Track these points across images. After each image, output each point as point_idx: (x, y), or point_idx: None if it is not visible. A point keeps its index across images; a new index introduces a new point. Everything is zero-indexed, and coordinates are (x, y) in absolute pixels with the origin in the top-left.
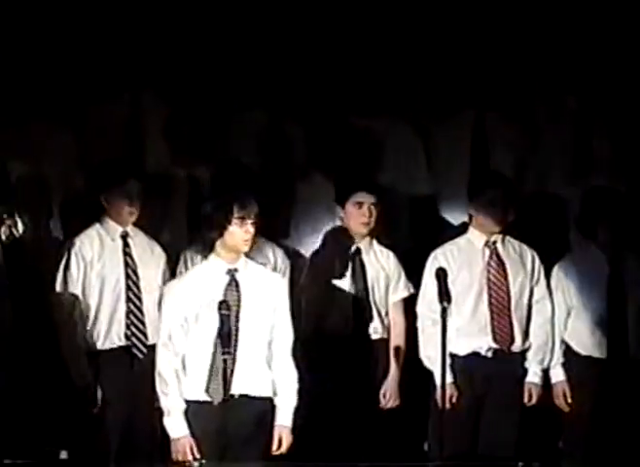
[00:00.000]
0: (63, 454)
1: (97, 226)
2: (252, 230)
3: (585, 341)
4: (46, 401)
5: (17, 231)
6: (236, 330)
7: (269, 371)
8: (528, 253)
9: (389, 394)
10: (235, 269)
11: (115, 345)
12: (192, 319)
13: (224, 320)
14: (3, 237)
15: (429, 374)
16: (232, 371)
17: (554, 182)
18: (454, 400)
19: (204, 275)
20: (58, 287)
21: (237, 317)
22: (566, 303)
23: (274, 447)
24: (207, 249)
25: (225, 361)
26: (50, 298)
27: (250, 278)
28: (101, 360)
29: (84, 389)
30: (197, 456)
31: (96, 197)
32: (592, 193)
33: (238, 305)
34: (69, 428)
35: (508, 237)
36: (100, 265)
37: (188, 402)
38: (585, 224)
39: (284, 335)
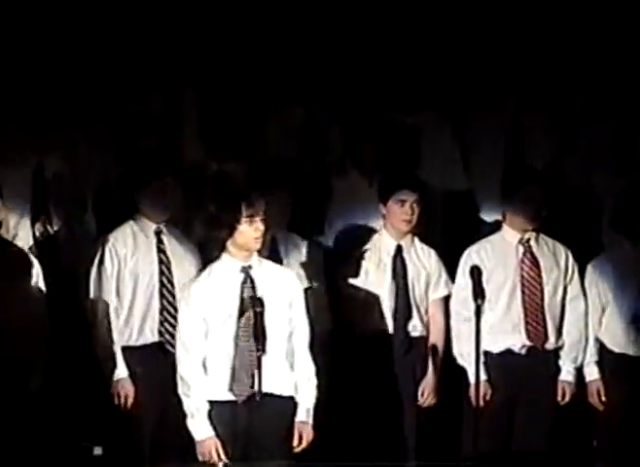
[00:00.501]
0: (98, 450)
1: (131, 223)
2: (262, 227)
3: (619, 338)
4: (80, 397)
5: (52, 227)
6: None
7: (290, 369)
8: (562, 251)
9: (427, 392)
10: (249, 267)
11: (148, 342)
12: (210, 319)
13: (257, 317)
14: (37, 234)
15: (463, 371)
16: (260, 368)
17: (589, 179)
18: (488, 397)
19: (219, 275)
20: (92, 284)
21: None
22: (600, 300)
23: (295, 443)
24: (218, 249)
25: (258, 358)
26: (83, 294)
27: (265, 275)
28: (135, 356)
29: (116, 385)
30: (223, 457)
31: (130, 193)
32: (630, 189)
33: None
34: (103, 425)
35: (542, 235)
36: (134, 261)
37: (211, 402)
38: (620, 221)
39: (302, 330)
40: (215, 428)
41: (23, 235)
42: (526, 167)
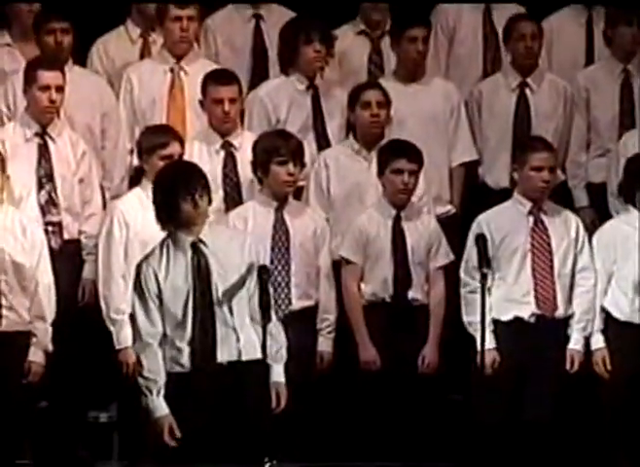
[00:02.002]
0: (103, 418)
1: (139, 190)
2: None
3: (623, 307)
4: (88, 365)
5: (57, 196)
6: None
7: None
8: (573, 220)
9: (428, 360)
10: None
11: None
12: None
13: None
14: (42, 202)
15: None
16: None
17: (595, 148)
18: (496, 365)
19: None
20: (101, 251)
21: None
22: (606, 269)
23: (274, 405)
24: None
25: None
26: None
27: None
28: None
29: (124, 353)
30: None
31: (139, 160)
32: (635, 159)
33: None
34: (111, 393)
35: (552, 204)
36: (142, 228)
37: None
38: (626, 190)
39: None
40: (180, 400)
41: (28, 204)
42: (535, 136)
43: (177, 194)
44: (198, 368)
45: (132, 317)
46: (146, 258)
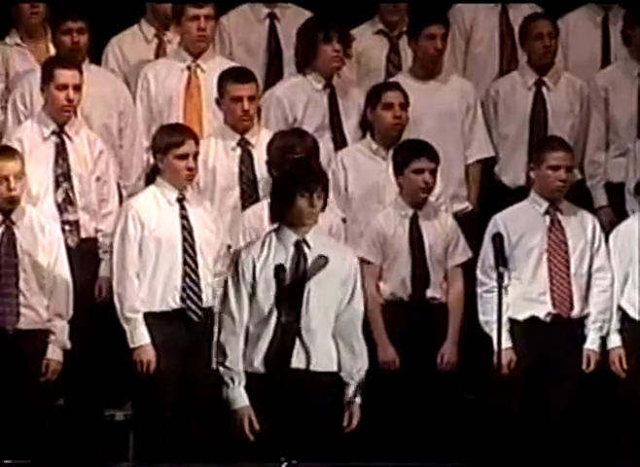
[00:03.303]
0: (119, 416)
1: (154, 188)
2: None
3: None
4: (103, 364)
5: (74, 195)
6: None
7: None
8: (589, 220)
9: (447, 357)
10: (303, 240)
11: (170, 308)
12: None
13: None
14: (59, 201)
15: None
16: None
17: (614, 147)
18: (512, 365)
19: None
20: (115, 249)
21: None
22: (623, 268)
23: (345, 423)
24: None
25: (298, 330)
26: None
27: (317, 251)
28: (157, 322)
29: (139, 352)
30: (256, 427)
31: (154, 159)
32: None
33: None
34: (125, 391)
35: (569, 203)
36: (157, 228)
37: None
38: None
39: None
40: (251, 400)
41: (45, 202)
42: (552, 136)
43: (296, 188)
44: (271, 371)
45: (224, 305)
46: (247, 246)
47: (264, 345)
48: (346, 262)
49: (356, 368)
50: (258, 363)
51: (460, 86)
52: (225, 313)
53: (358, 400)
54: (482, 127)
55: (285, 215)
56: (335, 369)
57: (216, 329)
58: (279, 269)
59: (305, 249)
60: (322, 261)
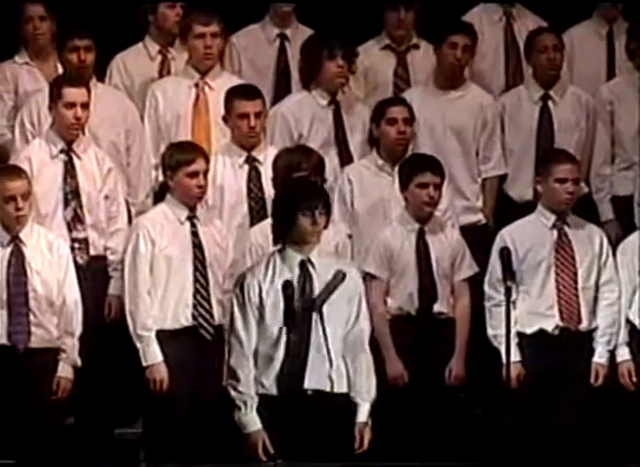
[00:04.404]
0: (129, 434)
1: (164, 206)
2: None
3: None
4: (115, 382)
5: (82, 213)
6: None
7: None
8: (597, 233)
9: (455, 372)
10: (308, 260)
11: (182, 326)
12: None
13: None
14: (68, 218)
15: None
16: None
17: (620, 160)
18: (521, 379)
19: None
20: (127, 267)
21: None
22: (631, 281)
23: (356, 445)
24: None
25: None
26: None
27: (322, 270)
28: (169, 340)
29: (151, 370)
30: (271, 450)
31: (164, 177)
32: None
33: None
34: (138, 409)
35: (576, 217)
36: (168, 245)
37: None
38: None
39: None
40: (263, 422)
41: (54, 221)
42: (559, 149)
43: (298, 207)
44: (284, 392)
45: (232, 329)
46: (251, 269)
47: (275, 367)
48: (351, 280)
49: (365, 387)
50: (270, 385)
51: (479, 99)
52: (233, 337)
53: (368, 420)
54: (498, 143)
55: (288, 235)
56: (346, 389)
57: (227, 349)
58: (287, 286)
59: (310, 269)
60: (340, 276)
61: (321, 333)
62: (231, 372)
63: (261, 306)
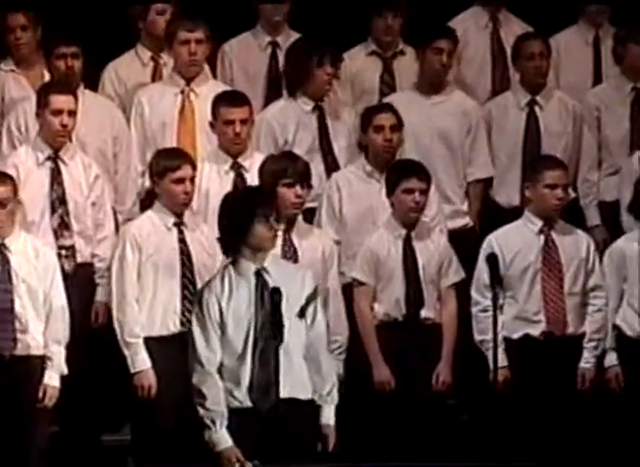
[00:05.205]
0: (117, 441)
1: (151, 213)
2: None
3: (635, 324)
4: (103, 388)
5: (70, 219)
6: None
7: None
8: (584, 239)
9: (442, 378)
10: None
11: (170, 333)
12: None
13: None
14: (55, 226)
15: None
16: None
17: (607, 166)
18: (508, 383)
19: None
20: (114, 275)
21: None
22: (618, 287)
23: (320, 448)
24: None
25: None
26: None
27: (280, 276)
28: (157, 347)
29: (139, 377)
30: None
31: (151, 183)
32: None
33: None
34: (126, 415)
35: (563, 223)
36: (155, 252)
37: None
38: (637, 207)
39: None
40: (234, 437)
41: (41, 228)
42: (548, 155)
43: (254, 214)
44: (256, 404)
45: (193, 347)
46: (207, 284)
47: (245, 379)
48: (306, 284)
49: (326, 389)
50: (243, 397)
51: (463, 103)
52: (194, 356)
53: (332, 423)
54: (484, 147)
55: (242, 244)
56: (310, 395)
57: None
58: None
59: (266, 277)
60: (277, 297)
61: (287, 340)
62: (196, 390)
63: (222, 323)
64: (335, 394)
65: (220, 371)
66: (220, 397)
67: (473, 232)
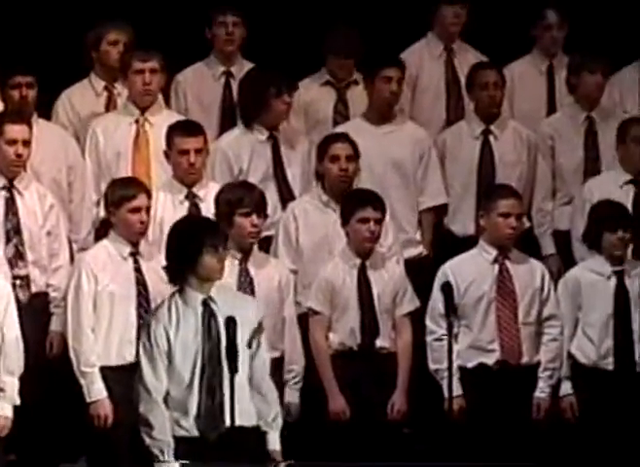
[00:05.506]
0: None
1: (106, 242)
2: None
3: (590, 353)
4: (58, 418)
5: (24, 249)
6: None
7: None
8: (538, 268)
9: (397, 407)
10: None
11: (126, 362)
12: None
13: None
14: (10, 256)
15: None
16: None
17: (561, 195)
18: (463, 412)
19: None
20: (70, 304)
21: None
22: (573, 316)
23: None
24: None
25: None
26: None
27: (226, 305)
28: (113, 376)
29: (96, 406)
30: None
31: (107, 213)
32: (599, 205)
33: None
34: (81, 445)
35: (517, 252)
36: (111, 282)
37: (176, 439)
38: (590, 236)
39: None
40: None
41: None
42: (502, 184)
43: (203, 244)
44: (204, 433)
45: (140, 376)
46: (155, 314)
47: (193, 408)
48: (252, 313)
49: (271, 416)
50: (190, 426)
51: (414, 132)
52: (140, 385)
53: (279, 448)
54: (435, 175)
55: (190, 273)
56: (255, 422)
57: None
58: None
59: (213, 306)
60: (232, 326)
61: (233, 368)
62: (142, 420)
63: (170, 353)
64: (279, 420)
65: (166, 400)
66: (166, 426)
67: (427, 260)
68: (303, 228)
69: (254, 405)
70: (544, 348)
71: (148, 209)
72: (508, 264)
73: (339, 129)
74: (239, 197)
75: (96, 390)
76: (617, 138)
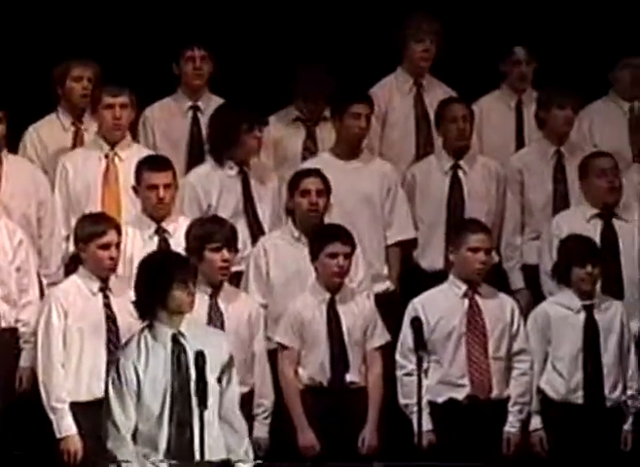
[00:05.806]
0: None
1: (76, 277)
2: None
3: (559, 387)
4: (30, 451)
5: None
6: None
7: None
8: (508, 303)
9: (367, 442)
10: (180, 333)
11: (95, 398)
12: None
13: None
14: None
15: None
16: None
17: (530, 230)
18: (433, 447)
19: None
20: (40, 339)
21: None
22: (542, 350)
23: None
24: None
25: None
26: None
27: (196, 340)
28: (83, 411)
29: (65, 442)
30: None
31: (76, 248)
32: (568, 240)
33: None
34: None
35: (487, 286)
36: (80, 317)
37: None
38: (559, 270)
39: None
40: None
41: None
42: (471, 219)
43: (173, 279)
44: None
45: (107, 411)
46: (123, 349)
47: (163, 443)
48: (222, 347)
49: (242, 448)
50: (159, 462)
51: (381, 167)
52: (109, 421)
53: None
54: (403, 209)
55: (159, 308)
56: (224, 455)
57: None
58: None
59: (182, 341)
60: (201, 360)
61: (202, 405)
62: (110, 456)
63: (139, 390)
64: (250, 452)
65: (135, 435)
66: (134, 461)
67: (394, 295)
68: (274, 262)
69: (224, 438)
70: (513, 383)
71: (118, 245)
72: (477, 298)
73: (308, 165)
74: (210, 232)
75: (66, 426)
76: (579, 174)
